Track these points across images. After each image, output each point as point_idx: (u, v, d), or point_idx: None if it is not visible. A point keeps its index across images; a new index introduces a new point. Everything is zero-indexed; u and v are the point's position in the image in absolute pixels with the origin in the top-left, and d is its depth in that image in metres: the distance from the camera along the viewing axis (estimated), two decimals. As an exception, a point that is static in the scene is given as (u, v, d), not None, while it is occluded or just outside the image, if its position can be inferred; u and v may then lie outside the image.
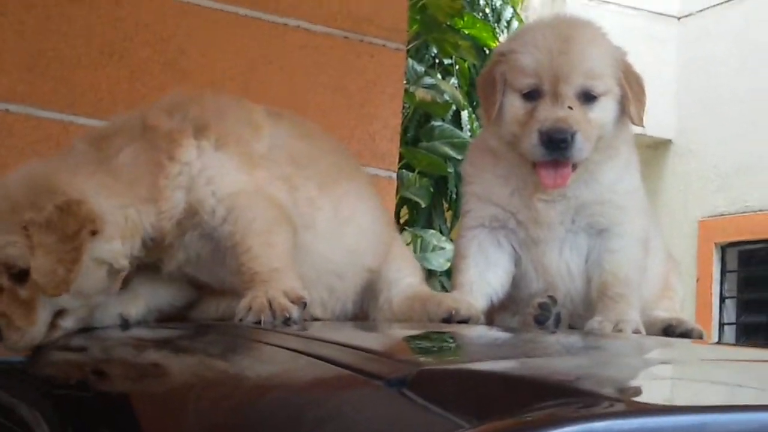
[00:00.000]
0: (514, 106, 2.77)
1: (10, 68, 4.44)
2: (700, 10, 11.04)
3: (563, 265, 2.86)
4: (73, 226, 2.39)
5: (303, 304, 2.40)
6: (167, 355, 2.27)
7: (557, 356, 1.99)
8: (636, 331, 2.73)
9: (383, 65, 4.98)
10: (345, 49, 5.04)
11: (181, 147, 2.54)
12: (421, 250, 8.11)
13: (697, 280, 10.78)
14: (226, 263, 2.54)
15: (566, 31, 2.78)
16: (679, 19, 11.28)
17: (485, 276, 2.89)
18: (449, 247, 7.22)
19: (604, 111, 2.78)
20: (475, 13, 7.89)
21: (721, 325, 10.62)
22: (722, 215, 10.67)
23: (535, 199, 2.83)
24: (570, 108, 2.69)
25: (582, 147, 2.69)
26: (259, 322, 2.34)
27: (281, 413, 1.54)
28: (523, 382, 1.48)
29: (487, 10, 8.16)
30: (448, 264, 7.71)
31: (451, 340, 2.34)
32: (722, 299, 10.74)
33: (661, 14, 11.23)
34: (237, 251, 2.50)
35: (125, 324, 2.56)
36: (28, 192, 2.46)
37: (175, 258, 2.58)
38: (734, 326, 10.62)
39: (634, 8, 11.11)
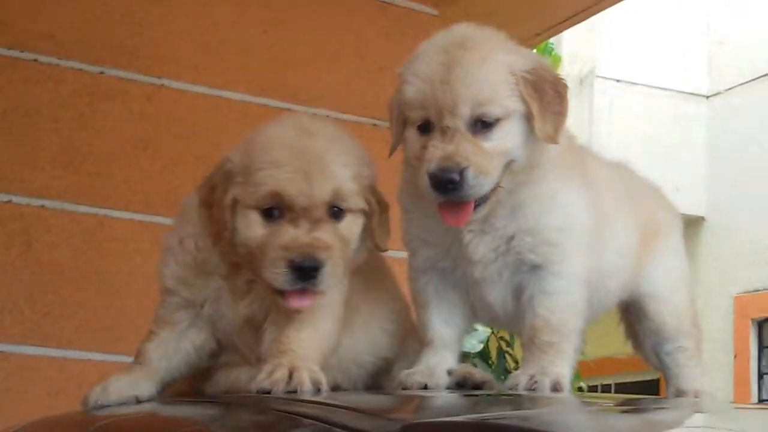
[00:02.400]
0: (411, 140, 2.56)
1: (45, 164, 4.52)
2: (729, 89, 11.10)
3: (507, 305, 2.67)
4: (380, 198, 2.70)
5: (318, 389, 2.47)
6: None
7: (526, 409, 2.15)
8: (556, 388, 2.49)
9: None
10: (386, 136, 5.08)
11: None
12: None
13: (735, 357, 10.68)
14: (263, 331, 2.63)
15: (452, 54, 2.51)
16: (707, 97, 11.33)
17: (451, 323, 2.74)
18: (482, 328, 7.21)
19: (506, 136, 2.51)
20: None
21: (760, 401, 10.49)
22: (758, 291, 10.62)
23: (465, 231, 2.61)
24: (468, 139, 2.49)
25: (476, 183, 2.46)
26: (269, 392, 2.40)
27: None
28: (491, 428, 1.68)
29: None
30: (481, 345, 7.71)
31: (434, 399, 2.45)
32: (760, 375, 10.63)
33: (690, 93, 11.28)
34: (288, 326, 2.60)
35: (137, 402, 2.63)
36: (361, 155, 2.67)
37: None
38: (773, 402, 10.50)
39: (663, 88, 11.17)
